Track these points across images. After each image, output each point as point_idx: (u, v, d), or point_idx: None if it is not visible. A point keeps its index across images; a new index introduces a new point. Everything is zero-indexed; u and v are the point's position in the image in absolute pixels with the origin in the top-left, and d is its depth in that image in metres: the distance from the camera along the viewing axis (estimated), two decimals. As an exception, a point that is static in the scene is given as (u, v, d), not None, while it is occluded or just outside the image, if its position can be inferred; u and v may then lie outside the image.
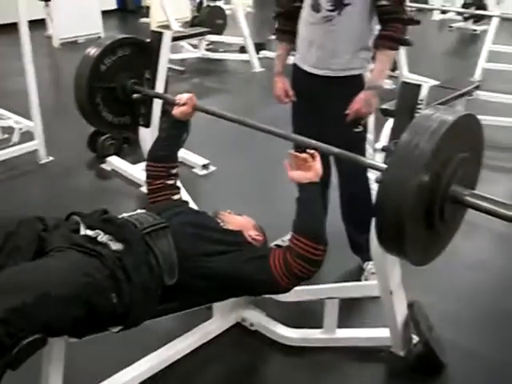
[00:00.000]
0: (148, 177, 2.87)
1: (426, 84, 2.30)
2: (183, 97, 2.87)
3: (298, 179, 2.38)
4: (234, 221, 2.69)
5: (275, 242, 3.54)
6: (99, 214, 2.48)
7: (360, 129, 3.19)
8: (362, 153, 3.15)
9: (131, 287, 2.14)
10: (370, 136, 3.24)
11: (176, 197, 2.83)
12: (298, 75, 3.32)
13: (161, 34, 3.45)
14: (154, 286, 2.25)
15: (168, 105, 3.68)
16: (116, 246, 2.26)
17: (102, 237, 2.28)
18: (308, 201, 2.38)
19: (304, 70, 3.25)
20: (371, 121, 3.23)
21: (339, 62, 3.10)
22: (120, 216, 2.46)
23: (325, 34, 3.08)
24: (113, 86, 3.31)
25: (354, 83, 3.11)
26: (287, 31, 3.36)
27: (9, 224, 2.22)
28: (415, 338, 2.87)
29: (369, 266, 3.46)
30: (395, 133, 2.28)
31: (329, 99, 3.16)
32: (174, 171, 2.85)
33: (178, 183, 2.90)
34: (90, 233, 2.31)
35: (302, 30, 3.23)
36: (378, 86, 3.09)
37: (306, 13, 3.16)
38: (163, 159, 2.84)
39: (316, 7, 3.06)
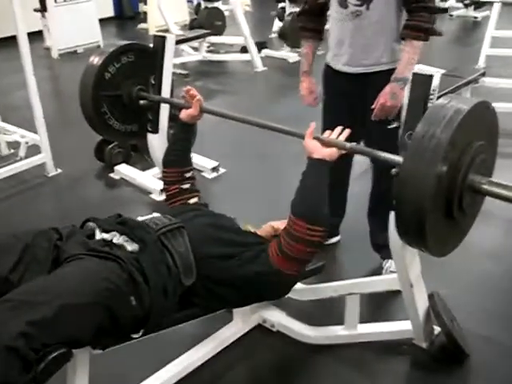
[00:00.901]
0: (164, 183, 2.88)
1: (438, 73, 2.28)
2: (193, 93, 2.84)
3: (312, 150, 2.33)
4: (262, 231, 2.68)
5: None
6: (114, 218, 2.48)
7: (395, 124, 3.04)
8: (393, 150, 3.08)
9: (150, 288, 2.14)
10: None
11: (192, 200, 2.81)
12: (330, 74, 3.29)
13: (163, 38, 3.43)
14: (173, 286, 2.24)
15: (175, 109, 3.67)
16: (132, 246, 2.25)
17: (118, 238, 2.28)
18: (311, 178, 2.33)
19: (337, 69, 3.22)
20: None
21: (372, 57, 3.07)
22: (135, 219, 2.46)
23: (355, 30, 3.04)
24: (119, 94, 3.29)
25: (387, 78, 3.03)
26: (312, 29, 3.32)
27: (24, 236, 2.23)
28: (437, 329, 2.87)
29: (387, 263, 3.44)
30: (409, 124, 2.26)
31: (363, 96, 3.11)
32: (187, 175, 2.84)
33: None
34: (105, 236, 2.31)
35: (331, 28, 3.20)
36: (404, 79, 2.94)
37: (333, 10, 3.12)
38: (175, 164, 2.84)
39: (343, 3, 3.02)
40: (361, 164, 3.78)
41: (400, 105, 2.91)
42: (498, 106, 2.43)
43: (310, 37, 3.34)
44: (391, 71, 3.04)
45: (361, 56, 3.08)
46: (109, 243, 2.28)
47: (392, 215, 2.22)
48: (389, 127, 3.05)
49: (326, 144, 2.32)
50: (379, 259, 3.55)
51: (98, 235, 2.33)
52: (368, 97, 3.07)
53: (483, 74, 5.63)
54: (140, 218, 2.48)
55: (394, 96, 2.98)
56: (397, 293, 2.83)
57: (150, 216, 2.50)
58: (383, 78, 3.04)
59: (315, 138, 2.35)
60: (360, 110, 3.12)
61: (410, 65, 2.97)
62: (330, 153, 2.31)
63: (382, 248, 3.40)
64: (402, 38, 3.02)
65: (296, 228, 2.24)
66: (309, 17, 3.31)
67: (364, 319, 2.96)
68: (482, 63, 7.47)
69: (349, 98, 3.20)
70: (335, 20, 3.13)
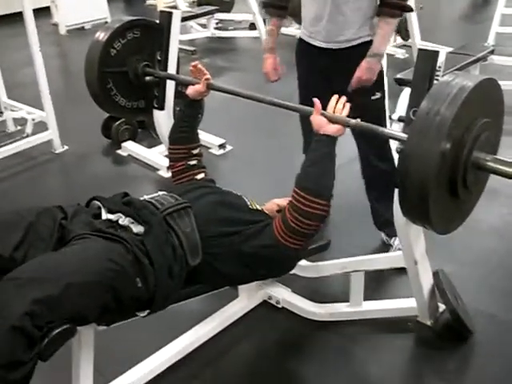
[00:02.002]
0: (170, 159, 2.88)
1: (444, 50, 2.26)
2: (201, 67, 2.84)
3: (319, 126, 2.33)
4: (269, 208, 2.70)
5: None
6: (120, 197, 2.48)
7: (377, 96, 3.15)
8: (383, 121, 3.12)
9: (155, 270, 2.14)
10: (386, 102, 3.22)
11: (199, 176, 2.81)
12: (306, 50, 3.27)
13: (170, 13, 3.40)
14: (179, 267, 2.24)
15: (181, 86, 3.65)
16: (137, 228, 2.26)
17: (124, 220, 2.29)
18: (317, 152, 2.33)
19: (313, 44, 3.19)
20: (386, 85, 3.19)
21: (350, 32, 3.05)
22: (141, 198, 2.46)
23: (333, 8, 3.00)
24: (124, 70, 3.29)
25: (366, 50, 3.03)
26: (277, 6, 3.31)
27: (28, 215, 2.22)
28: (441, 307, 2.88)
29: (396, 241, 3.43)
30: (414, 101, 2.24)
31: (342, 70, 3.09)
32: (195, 151, 2.84)
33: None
34: (111, 216, 2.31)
35: (306, 4, 3.17)
36: (380, 54, 3.01)
37: None
38: (182, 141, 2.84)
39: None
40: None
41: (375, 77, 3.01)
42: (507, 84, 2.43)
43: (274, 13, 3.33)
44: (368, 43, 3.05)
45: (339, 33, 3.06)
46: (114, 224, 2.29)
47: (396, 192, 2.21)
48: (372, 98, 3.13)
49: (331, 120, 2.32)
50: (378, 237, 3.56)
51: (104, 215, 2.34)
52: (348, 70, 3.05)
53: (492, 52, 5.58)
54: (146, 197, 2.48)
55: (370, 70, 3.00)
56: (402, 270, 2.82)
57: (155, 194, 2.50)
58: (361, 51, 3.04)
59: (322, 115, 2.35)
60: (340, 84, 3.07)
61: (386, 40, 3.05)
62: (338, 129, 2.31)
63: (386, 224, 3.40)
64: (378, 14, 3.02)
65: (301, 201, 2.25)
66: None
67: (369, 296, 2.98)
68: (491, 41, 7.40)
69: (328, 73, 3.18)
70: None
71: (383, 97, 3.19)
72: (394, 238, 3.47)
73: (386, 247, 3.48)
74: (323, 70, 3.19)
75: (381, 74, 3.12)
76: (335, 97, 2.40)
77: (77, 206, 2.40)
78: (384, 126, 3.04)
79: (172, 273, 2.21)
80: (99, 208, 2.38)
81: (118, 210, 2.33)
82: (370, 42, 3.05)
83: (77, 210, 2.35)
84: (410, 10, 3.11)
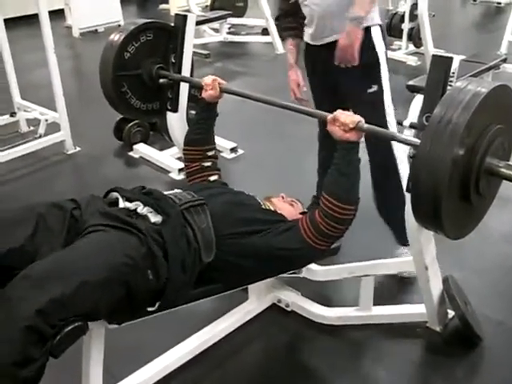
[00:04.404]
0: (185, 160, 2.93)
1: (457, 56, 2.27)
2: (208, 82, 2.86)
3: (336, 135, 2.37)
4: (280, 208, 2.74)
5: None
6: (139, 189, 2.51)
7: (374, 88, 3.10)
8: (381, 116, 3.09)
9: (168, 262, 2.16)
10: (387, 96, 3.14)
11: (213, 178, 2.85)
12: (307, 51, 3.32)
13: (185, 16, 3.43)
14: (192, 261, 2.26)
15: (195, 88, 3.67)
16: (156, 218, 2.28)
17: (142, 209, 2.31)
18: (341, 159, 2.38)
19: (310, 44, 3.24)
20: (386, 79, 3.12)
21: (339, 24, 2.97)
22: None
23: (318, 3, 3.04)
24: (139, 73, 3.31)
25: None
26: (292, 28, 3.36)
27: (38, 207, 2.23)
28: (451, 313, 2.88)
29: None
30: (427, 107, 2.25)
31: (337, 65, 3.01)
32: (210, 153, 2.89)
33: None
34: (129, 205, 2.33)
35: (303, 7, 3.20)
36: (357, 17, 2.85)
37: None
38: (197, 142, 2.88)
39: None
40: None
41: (357, 46, 2.87)
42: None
43: (290, 35, 3.38)
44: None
45: (329, 26, 3.06)
46: (132, 213, 2.30)
47: (408, 197, 2.22)
48: (369, 91, 3.09)
49: (345, 127, 2.33)
50: (389, 242, 3.49)
51: (122, 204, 2.35)
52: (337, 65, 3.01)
53: (504, 60, 5.58)
54: (164, 192, 2.50)
55: (349, 35, 2.87)
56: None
57: (172, 191, 2.53)
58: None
59: (335, 121, 2.36)
60: (339, 79, 3.10)
61: (364, 3, 2.89)
62: (356, 135, 2.34)
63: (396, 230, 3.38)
64: None
65: (333, 208, 2.35)
66: (286, 18, 3.39)
67: (378, 301, 2.98)
68: (504, 49, 7.40)
69: (326, 70, 3.16)
70: (302, 5, 3.17)
71: (381, 90, 3.11)
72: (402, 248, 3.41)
73: (395, 252, 3.46)
74: (322, 68, 3.22)
75: (376, 64, 3.10)
76: (340, 112, 2.38)
77: (89, 196, 2.39)
78: (386, 122, 3.06)
79: (185, 266, 2.22)
80: (116, 198, 2.40)
81: (137, 199, 2.35)
82: (368, 30, 3.03)
83: (91, 199, 2.36)
84: None
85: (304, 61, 3.38)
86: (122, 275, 2.01)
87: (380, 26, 3.13)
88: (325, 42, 3.13)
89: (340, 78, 3.09)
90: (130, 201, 2.35)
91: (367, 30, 3.03)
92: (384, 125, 2.99)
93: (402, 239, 3.23)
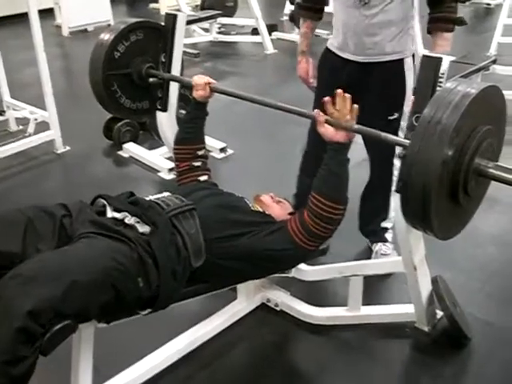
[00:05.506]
0: (176, 159, 2.92)
1: (447, 57, 2.28)
2: (198, 82, 2.85)
3: (327, 136, 2.37)
4: (269, 207, 2.74)
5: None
6: (126, 196, 2.49)
7: (395, 116, 3.03)
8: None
9: (158, 271, 2.16)
10: (402, 123, 2.99)
11: (203, 178, 2.84)
12: (333, 63, 3.14)
13: (175, 16, 3.43)
14: (182, 269, 2.26)
15: (184, 89, 3.67)
16: (143, 228, 2.27)
17: (130, 219, 2.29)
18: (331, 159, 2.38)
19: (341, 57, 3.08)
20: (408, 104, 2.94)
21: (378, 47, 2.94)
22: (147, 198, 2.48)
23: (362, 19, 2.89)
24: (128, 72, 3.31)
25: (391, 69, 2.98)
26: (311, 8, 3.21)
27: (29, 211, 2.23)
28: (439, 313, 2.89)
29: (377, 247, 3.45)
30: (417, 107, 2.26)
31: (365, 86, 2.99)
32: (200, 153, 2.88)
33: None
34: (116, 215, 2.32)
35: (336, 13, 3.05)
36: None
37: None
38: (188, 141, 2.87)
39: None
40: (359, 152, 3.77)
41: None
42: (509, 94, 2.45)
43: (307, 16, 3.24)
44: (395, 62, 2.98)
45: (367, 46, 2.95)
46: (120, 223, 2.29)
47: (397, 197, 2.23)
48: (389, 118, 3.02)
49: (336, 127, 2.34)
50: (365, 243, 3.57)
51: (109, 213, 2.34)
52: (370, 86, 3.00)
53: (494, 62, 5.57)
54: (151, 197, 2.49)
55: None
56: (402, 275, 2.83)
57: (161, 195, 2.52)
58: (387, 67, 2.98)
59: (326, 122, 2.37)
60: (360, 99, 3.03)
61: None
62: (346, 135, 2.35)
63: (372, 233, 3.47)
64: (430, 32, 2.91)
65: (322, 208, 2.35)
66: None
67: (367, 301, 2.98)
68: (493, 51, 7.41)
69: (349, 86, 2.80)
70: (342, 5, 2.97)
71: (400, 115, 3.04)
72: (374, 244, 3.49)
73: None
74: (346, 83, 2.87)
75: (403, 94, 3.03)
76: (340, 93, 2.36)
77: (80, 203, 2.39)
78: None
79: (175, 274, 2.23)
80: (104, 206, 2.38)
81: (125, 209, 2.34)
82: (400, 61, 2.98)
83: (81, 207, 2.35)
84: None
85: (318, 68, 3.24)
86: (112, 279, 2.01)
87: (413, 55, 3.06)
88: (360, 60, 3.02)
89: (363, 95, 2.83)
90: (118, 211, 2.34)
91: (400, 61, 2.99)
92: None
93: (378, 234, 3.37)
